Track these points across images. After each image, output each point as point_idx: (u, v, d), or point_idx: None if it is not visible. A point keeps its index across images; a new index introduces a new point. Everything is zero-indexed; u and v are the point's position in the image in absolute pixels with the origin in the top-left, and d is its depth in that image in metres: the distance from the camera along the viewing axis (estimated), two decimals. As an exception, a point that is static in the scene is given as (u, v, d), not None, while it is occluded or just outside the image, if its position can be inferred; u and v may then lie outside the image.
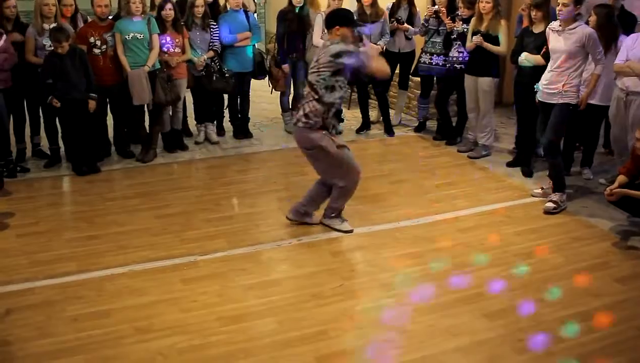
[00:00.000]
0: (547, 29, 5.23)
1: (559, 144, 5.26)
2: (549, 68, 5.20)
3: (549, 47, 5.17)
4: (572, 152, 6.04)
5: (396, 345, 3.46)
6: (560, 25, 5.04)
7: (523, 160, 6.14)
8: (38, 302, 3.83)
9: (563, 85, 5.04)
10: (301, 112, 4.46)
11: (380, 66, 4.54)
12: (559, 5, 4.95)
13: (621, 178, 4.65)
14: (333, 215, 4.81)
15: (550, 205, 5.18)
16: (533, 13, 5.58)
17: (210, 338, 3.50)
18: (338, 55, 4.25)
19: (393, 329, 3.59)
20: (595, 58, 5.05)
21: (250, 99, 7.23)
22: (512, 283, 4.10)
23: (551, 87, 5.12)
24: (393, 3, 7.06)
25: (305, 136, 4.50)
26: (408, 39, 7.13)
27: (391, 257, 4.45)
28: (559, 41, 5.05)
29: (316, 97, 4.38)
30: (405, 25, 7.00)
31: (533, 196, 5.49)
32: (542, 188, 5.50)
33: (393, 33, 7.07)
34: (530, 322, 3.67)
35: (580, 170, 6.01)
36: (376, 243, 4.66)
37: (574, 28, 4.98)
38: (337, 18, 4.48)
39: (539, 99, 5.29)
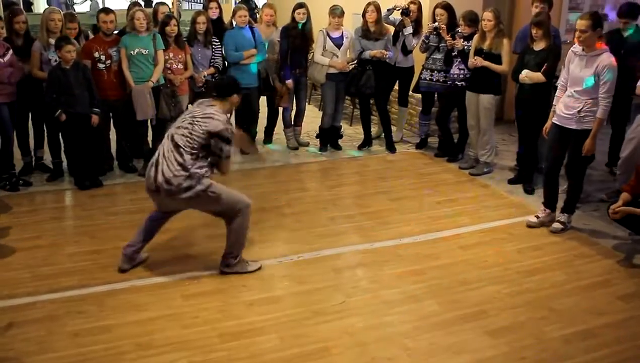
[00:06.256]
0: (570, 51, 4.95)
1: (583, 168, 5.08)
2: (567, 92, 4.92)
3: (570, 69, 4.89)
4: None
5: (398, 363, 3.45)
6: (583, 50, 4.79)
7: (525, 177, 6.15)
8: (39, 317, 3.82)
9: (579, 111, 4.80)
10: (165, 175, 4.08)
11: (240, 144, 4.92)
12: (577, 32, 4.73)
13: (625, 196, 4.63)
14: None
15: (558, 226, 5.14)
16: (534, 31, 5.61)
17: (211, 354, 3.48)
18: (220, 136, 4.04)
19: (395, 347, 3.58)
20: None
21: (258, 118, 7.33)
22: (515, 301, 4.09)
23: (567, 112, 4.88)
24: (400, 21, 7.09)
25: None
26: (407, 52, 7.16)
27: (393, 274, 4.44)
28: (579, 66, 4.80)
29: (180, 160, 4.05)
30: (407, 19, 6.95)
31: (529, 226, 5.22)
32: (538, 217, 5.27)
33: (395, 40, 7.10)
34: (533, 340, 3.65)
35: None
36: (378, 260, 4.65)
37: (598, 54, 4.72)
38: (233, 87, 4.35)
39: (554, 121, 5.04)
